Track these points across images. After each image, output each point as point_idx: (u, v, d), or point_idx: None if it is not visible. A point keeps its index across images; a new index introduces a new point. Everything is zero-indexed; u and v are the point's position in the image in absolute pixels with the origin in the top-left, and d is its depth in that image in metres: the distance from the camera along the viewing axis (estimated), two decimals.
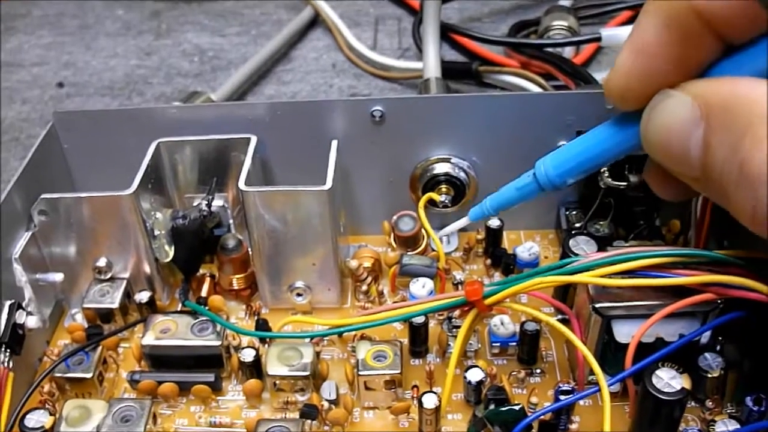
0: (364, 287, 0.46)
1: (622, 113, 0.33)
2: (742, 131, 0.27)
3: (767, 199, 0.26)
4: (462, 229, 0.49)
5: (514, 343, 0.42)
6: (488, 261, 0.48)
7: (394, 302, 0.46)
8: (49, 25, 0.89)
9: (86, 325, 0.45)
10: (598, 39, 0.66)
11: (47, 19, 0.90)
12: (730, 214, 0.28)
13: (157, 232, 0.44)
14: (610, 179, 0.45)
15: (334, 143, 0.45)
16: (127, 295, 0.46)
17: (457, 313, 0.44)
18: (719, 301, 0.36)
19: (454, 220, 0.43)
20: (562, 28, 0.72)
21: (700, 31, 0.28)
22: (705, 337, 0.38)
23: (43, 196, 0.43)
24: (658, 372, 0.35)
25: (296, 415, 0.40)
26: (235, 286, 0.47)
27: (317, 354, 0.41)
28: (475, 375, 0.39)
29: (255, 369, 0.41)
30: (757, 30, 0.28)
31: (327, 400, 0.40)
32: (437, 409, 0.38)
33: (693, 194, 0.33)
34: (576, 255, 0.42)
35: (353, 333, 0.43)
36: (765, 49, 0.28)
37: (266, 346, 0.42)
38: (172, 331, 0.42)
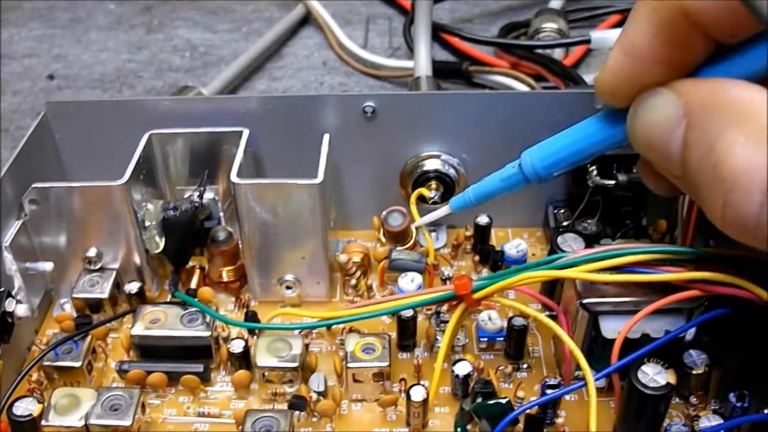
0: (353, 281, 0.47)
1: (611, 107, 0.33)
2: (719, 132, 0.27)
3: (737, 201, 0.26)
4: (450, 225, 0.50)
5: (502, 338, 0.43)
6: (476, 257, 0.49)
7: (383, 296, 0.46)
8: (40, 17, 0.89)
9: (75, 315, 0.45)
10: (588, 41, 0.67)
11: (38, 11, 0.90)
12: (705, 213, 0.29)
13: (147, 224, 0.45)
14: (598, 178, 0.45)
15: (326, 137, 0.45)
16: (117, 285, 0.46)
17: (445, 307, 0.44)
18: (704, 299, 0.36)
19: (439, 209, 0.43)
20: (552, 31, 0.72)
21: (690, 33, 0.29)
22: (690, 334, 0.38)
23: (34, 185, 0.43)
24: (643, 367, 0.36)
25: (285, 406, 0.40)
26: (225, 279, 0.47)
27: (306, 346, 0.42)
28: (462, 368, 0.40)
29: (244, 360, 0.41)
30: (749, 31, 0.28)
31: (315, 391, 0.40)
32: (425, 401, 0.38)
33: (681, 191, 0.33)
34: (564, 251, 0.42)
35: (342, 326, 0.44)
36: (756, 52, 0.29)
37: (255, 337, 0.42)
38: (162, 321, 0.42)
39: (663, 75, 0.30)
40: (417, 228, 0.47)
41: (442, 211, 0.41)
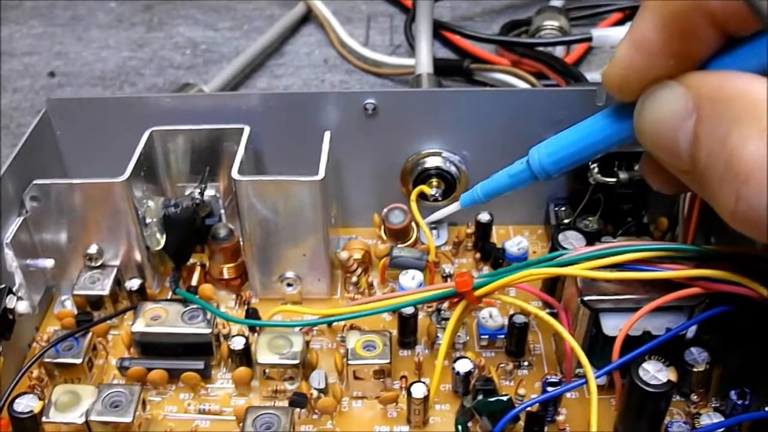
0: (354, 278, 0.47)
1: (618, 103, 0.33)
2: (730, 125, 0.27)
3: (750, 195, 0.26)
4: (452, 223, 0.50)
5: (503, 336, 0.43)
6: (477, 255, 0.49)
7: (384, 294, 0.46)
8: (41, 15, 0.89)
9: (76, 312, 0.45)
10: (589, 39, 0.67)
11: (39, 9, 0.90)
12: (714, 209, 0.29)
13: (148, 220, 0.45)
14: (599, 175, 0.45)
15: (327, 134, 0.45)
16: (118, 282, 0.46)
17: (446, 305, 0.44)
18: (705, 296, 0.36)
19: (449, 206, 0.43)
20: (554, 28, 0.72)
21: (701, 25, 0.28)
22: (691, 332, 0.38)
23: (35, 181, 0.43)
24: (644, 365, 0.35)
25: (285, 403, 0.40)
26: (226, 276, 0.47)
27: (307, 343, 0.42)
28: (463, 366, 0.40)
29: (245, 357, 0.41)
30: (758, 23, 0.28)
31: (316, 388, 0.40)
32: (426, 399, 0.38)
33: (685, 188, 0.33)
34: (565, 249, 0.42)
35: (343, 323, 0.44)
36: (765, 45, 0.28)
37: (256, 334, 0.42)
38: (163, 318, 0.42)
39: (672, 68, 0.30)
40: (427, 224, 0.47)
41: (452, 207, 0.42)
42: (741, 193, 0.26)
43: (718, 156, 0.27)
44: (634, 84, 0.31)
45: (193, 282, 0.47)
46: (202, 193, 0.46)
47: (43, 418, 0.38)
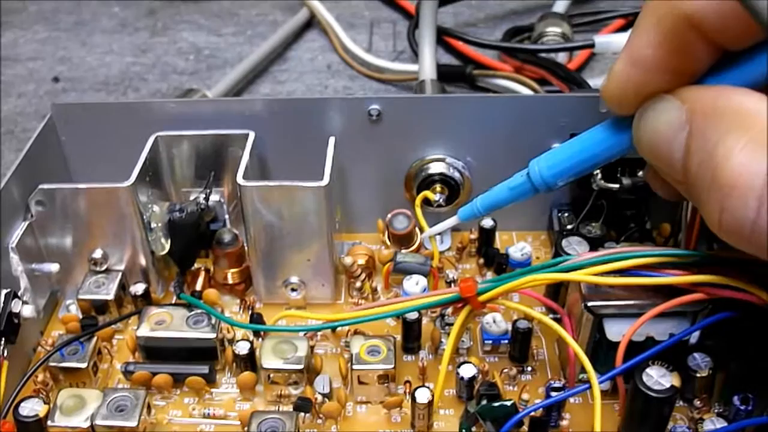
0: (358, 284, 0.47)
1: (617, 115, 0.34)
2: (719, 138, 0.27)
3: (733, 206, 0.27)
4: (455, 229, 0.50)
5: (506, 341, 0.43)
6: (481, 260, 0.49)
7: (388, 299, 0.46)
8: (45, 20, 0.89)
9: (81, 316, 0.45)
10: (591, 46, 0.67)
11: (43, 14, 0.90)
12: (704, 219, 0.29)
13: (153, 225, 0.45)
14: (602, 181, 0.45)
15: (332, 139, 0.46)
16: (123, 287, 0.46)
17: (449, 310, 0.44)
18: (708, 302, 0.37)
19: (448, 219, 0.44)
20: (556, 35, 0.73)
21: (695, 41, 0.29)
22: (694, 337, 0.38)
23: (40, 186, 0.43)
24: (648, 370, 0.36)
25: (290, 408, 0.40)
26: (230, 281, 0.47)
27: (311, 348, 0.42)
28: (467, 371, 0.40)
29: (249, 362, 0.41)
30: (752, 39, 0.29)
31: (320, 393, 0.40)
32: (430, 403, 0.38)
33: None
34: (568, 255, 0.43)
35: (347, 328, 0.44)
36: (758, 60, 0.29)
37: (260, 339, 0.42)
38: (168, 323, 0.43)
39: (668, 83, 0.30)
40: (427, 237, 0.47)
41: (451, 221, 0.41)
42: (724, 205, 0.27)
43: (706, 167, 0.28)
44: (632, 98, 0.32)
45: (198, 287, 0.47)
46: (207, 198, 0.46)
47: (49, 422, 0.38)
